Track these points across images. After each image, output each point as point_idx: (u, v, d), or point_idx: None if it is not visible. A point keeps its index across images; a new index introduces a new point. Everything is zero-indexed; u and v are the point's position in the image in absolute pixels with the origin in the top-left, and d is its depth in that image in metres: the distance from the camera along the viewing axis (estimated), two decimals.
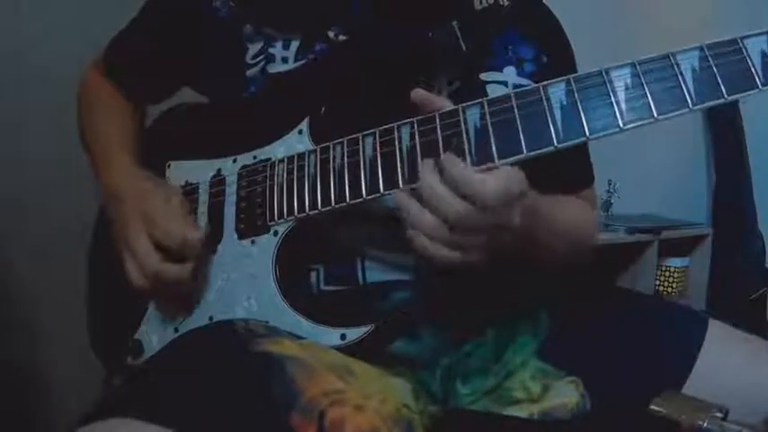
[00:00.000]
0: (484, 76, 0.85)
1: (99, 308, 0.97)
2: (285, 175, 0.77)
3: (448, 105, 0.69)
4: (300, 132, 0.78)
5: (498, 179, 0.63)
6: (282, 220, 0.77)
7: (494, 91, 0.85)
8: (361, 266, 0.82)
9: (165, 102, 1.00)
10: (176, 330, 0.83)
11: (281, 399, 0.61)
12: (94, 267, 0.99)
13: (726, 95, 0.62)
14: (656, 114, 0.63)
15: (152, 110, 1.01)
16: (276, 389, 0.61)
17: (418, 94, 0.69)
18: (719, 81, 0.62)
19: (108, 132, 0.94)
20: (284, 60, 0.84)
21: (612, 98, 0.64)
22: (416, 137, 0.69)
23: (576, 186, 0.93)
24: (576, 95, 0.65)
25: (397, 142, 0.70)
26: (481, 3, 0.86)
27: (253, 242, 0.79)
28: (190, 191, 0.86)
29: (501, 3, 0.87)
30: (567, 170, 0.84)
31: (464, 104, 0.68)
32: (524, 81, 0.86)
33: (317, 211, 0.74)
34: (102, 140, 0.93)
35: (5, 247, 1.44)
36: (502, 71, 0.86)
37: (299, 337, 0.73)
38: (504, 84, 0.85)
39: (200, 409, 0.59)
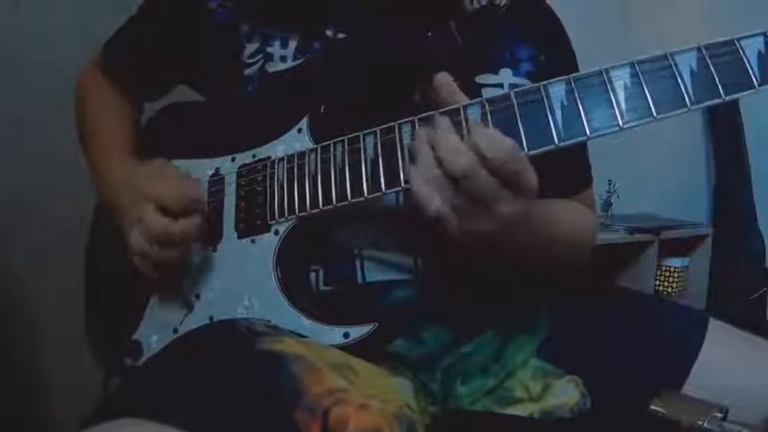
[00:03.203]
0: (479, 79, 0.84)
1: (97, 308, 0.97)
2: (285, 174, 0.77)
3: (464, 99, 0.68)
4: (300, 131, 0.78)
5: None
6: (283, 219, 0.77)
7: (488, 94, 0.84)
8: (361, 266, 0.82)
9: (161, 100, 1.00)
10: (176, 331, 0.82)
11: (287, 396, 0.61)
12: (92, 267, 0.99)
13: (723, 95, 0.63)
14: (655, 114, 0.64)
15: (147, 108, 1.01)
16: (281, 386, 0.61)
17: (443, 78, 0.68)
18: (717, 81, 0.63)
19: (105, 132, 0.94)
20: (282, 59, 0.84)
21: (612, 97, 0.65)
22: None
23: (575, 188, 0.93)
24: (577, 94, 0.65)
25: (398, 141, 0.70)
26: (472, 3, 0.86)
27: (253, 241, 0.79)
28: None
29: (497, 3, 0.87)
30: (565, 172, 0.84)
31: (465, 103, 0.68)
32: (521, 81, 0.86)
33: (318, 210, 0.74)
34: (99, 140, 0.94)
35: (5, 247, 1.44)
36: (497, 73, 0.85)
37: (301, 336, 0.73)
38: (500, 86, 0.85)
39: (205, 407, 0.59)
